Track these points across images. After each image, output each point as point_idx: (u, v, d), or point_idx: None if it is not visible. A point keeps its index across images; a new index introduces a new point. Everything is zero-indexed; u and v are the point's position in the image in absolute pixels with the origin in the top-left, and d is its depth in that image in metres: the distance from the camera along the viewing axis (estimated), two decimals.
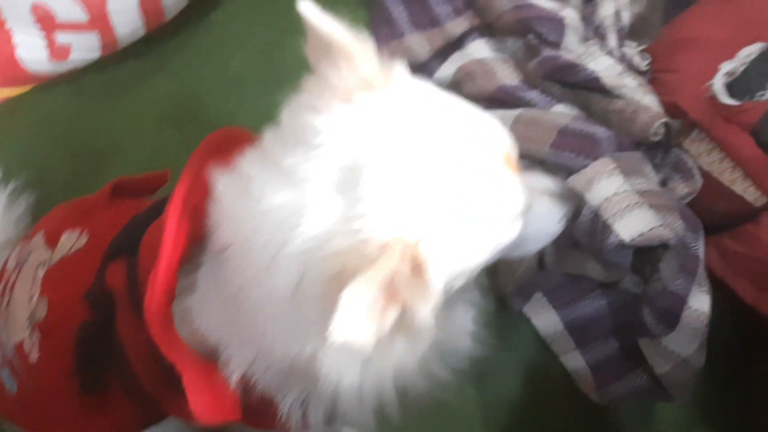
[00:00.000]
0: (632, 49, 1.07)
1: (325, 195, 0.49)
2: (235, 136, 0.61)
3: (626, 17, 1.10)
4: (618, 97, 0.96)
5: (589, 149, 0.90)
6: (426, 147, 0.51)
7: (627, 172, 0.88)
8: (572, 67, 0.98)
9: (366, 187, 0.48)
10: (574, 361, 0.99)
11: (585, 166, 0.89)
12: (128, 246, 0.64)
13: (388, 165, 0.49)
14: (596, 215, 0.85)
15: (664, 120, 0.92)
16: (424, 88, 0.55)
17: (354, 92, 0.52)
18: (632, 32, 1.11)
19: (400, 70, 0.55)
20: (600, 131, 0.92)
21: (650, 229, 0.83)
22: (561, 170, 0.91)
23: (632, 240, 0.82)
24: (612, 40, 1.07)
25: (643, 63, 1.05)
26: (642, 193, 0.86)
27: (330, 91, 0.52)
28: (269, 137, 0.55)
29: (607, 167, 0.88)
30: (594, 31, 1.07)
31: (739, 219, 0.97)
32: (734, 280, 0.98)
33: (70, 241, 0.70)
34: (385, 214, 0.48)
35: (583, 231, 0.86)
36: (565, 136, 0.92)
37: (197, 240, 0.58)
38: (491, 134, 0.55)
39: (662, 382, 0.91)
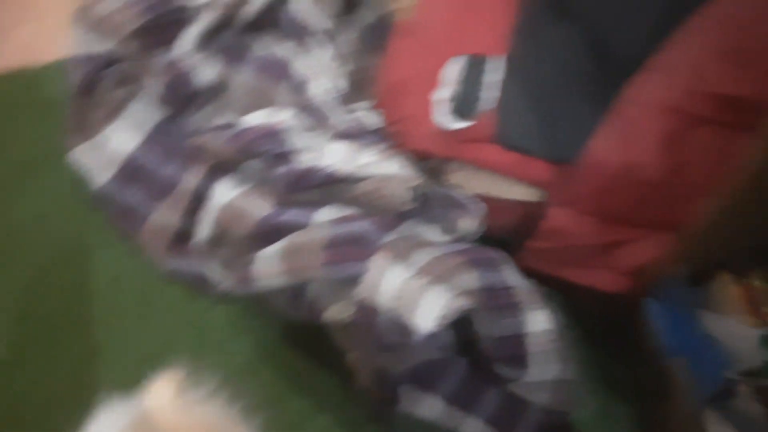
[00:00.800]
0: (363, 111, 1.09)
1: None
2: None
3: (342, 83, 1.12)
4: (362, 179, 0.96)
5: (361, 251, 0.90)
6: None
7: (404, 255, 0.89)
8: (308, 173, 0.98)
9: None
10: (471, 426, 0.99)
11: (365, 271, 0.89)
12: None
13: None
14: (393, 316, 0.85)
15: (409, 185, 0.93)
16: None
17: None
18: (357, 90, 1.13)
19: None
20: (364, 226, 0.93)
21: (447, 306, 0.83)
22: (343, 284, 0.91)
23: (436, 326, 0.83)
24: (337, 115, 1.07)
25: (376, 122, 1.06)
26: (426, 270, 0.87)
27: None
28: None
29: (383, 262, 0.88)
30: (317, 116, 1.08)
31: (533, 220, 1.00)
32: (564, 272, 1.01)
33: None
34: None
35: (393, 334, 0.86)
36: (334, 248, 0.92)
37: None
38: None
39: (552, 408, 0.93)
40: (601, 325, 1.10)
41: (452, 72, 0.99)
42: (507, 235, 1.02)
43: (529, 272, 0.95)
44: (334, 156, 1.00)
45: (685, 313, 0.93)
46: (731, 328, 0.88)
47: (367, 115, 1.07)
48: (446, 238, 0.97)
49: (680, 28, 0.93)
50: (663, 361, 0.95)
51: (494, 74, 0.99)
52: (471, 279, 0.86)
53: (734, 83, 0.87)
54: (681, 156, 0.90)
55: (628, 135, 0.92)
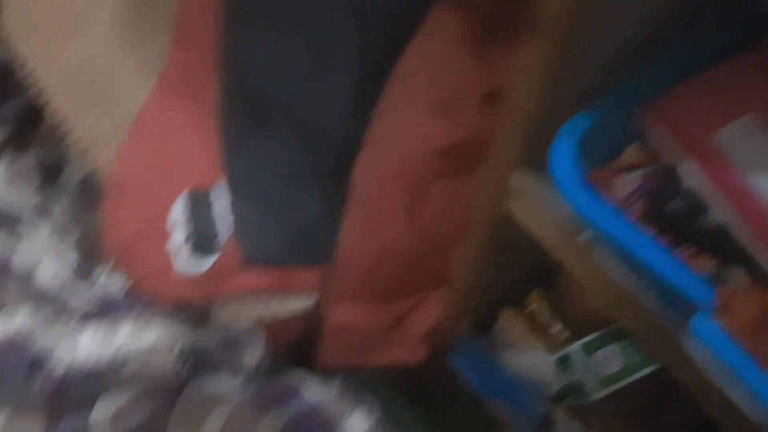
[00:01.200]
0: (104, 278, 1.02)
1: None
2: None
3: (71, 256, 1.04)
4: (126, 360, 0.90)
5: None
6: None
7: (197, 425, 0.84)
8: (67, 375, 0.90)
9: None
10: None
11: None
12: None
13: None
14: None
15: (176, 348, 0.89)
16: None
17: None
18: (90, 258, 1.06)
19: None
20: (145, 411, 0.86)
21: None
22: None
23: None
24: (77, 294, 1.00)
25: (121, 285, 1.01)
26: None
27: None
28: None
29: None
30: (56, 304, 0.99)
31: (318, 324, 0.99)
32: (364, 360, 1.01)
33: None
34: None
35: None
36: None
37: None
38: None
39: None
40: (424, 388, 1.12)
41: (177, 214, 0.95)
42: (298, 346, 1.01)
43: (333, 369, 0.94)
44: (87, 344, 0.93)
45: (486, 360, 0.96)
46: (529, 360, 0.92)
47: (109, 282, 1.01)
48: (237, 380, 0.94)
49: (381, 97, 0.96)
50: (484, 406, 0.99)
51: (222, 201, 0.96)
52: (272, 420, 0.84)
53: (445, 133, 0.92)
54: (425, 216, 0.93)
55: (370, 215, 0.93)
